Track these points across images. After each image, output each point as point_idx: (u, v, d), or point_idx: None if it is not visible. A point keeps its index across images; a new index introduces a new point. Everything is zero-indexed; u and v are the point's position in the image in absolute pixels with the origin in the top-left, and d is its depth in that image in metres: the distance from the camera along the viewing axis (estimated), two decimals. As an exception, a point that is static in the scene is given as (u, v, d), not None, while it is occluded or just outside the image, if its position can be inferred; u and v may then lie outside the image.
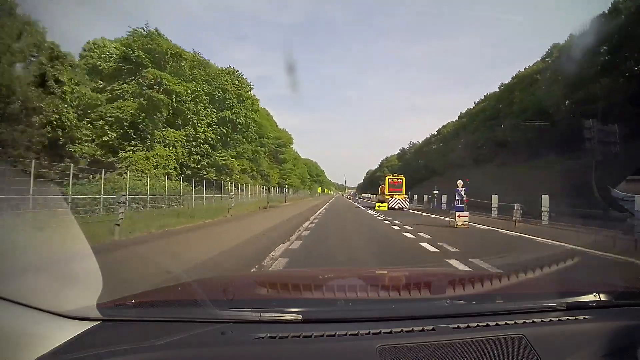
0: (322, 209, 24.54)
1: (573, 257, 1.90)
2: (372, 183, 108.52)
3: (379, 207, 25.62)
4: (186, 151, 27.63)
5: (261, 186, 42.76)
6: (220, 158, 29.67)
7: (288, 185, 54.37)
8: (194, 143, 28.27)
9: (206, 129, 28.87)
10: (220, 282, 2.01)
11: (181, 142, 27.39)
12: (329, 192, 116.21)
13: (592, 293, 1.36)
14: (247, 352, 1.03)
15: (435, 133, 62.03)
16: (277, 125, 57.67)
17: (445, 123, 57.88)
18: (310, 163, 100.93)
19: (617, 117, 18.94)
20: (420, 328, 1.10)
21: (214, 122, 29.56)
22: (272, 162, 52.18)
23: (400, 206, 25.08)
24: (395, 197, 25.52)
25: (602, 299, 1.33)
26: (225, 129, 30.19)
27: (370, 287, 1.72)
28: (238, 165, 32.71)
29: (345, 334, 1.07)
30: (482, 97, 46.14)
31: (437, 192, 26.25)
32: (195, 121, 28.39)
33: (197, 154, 28.40)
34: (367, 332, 1.08)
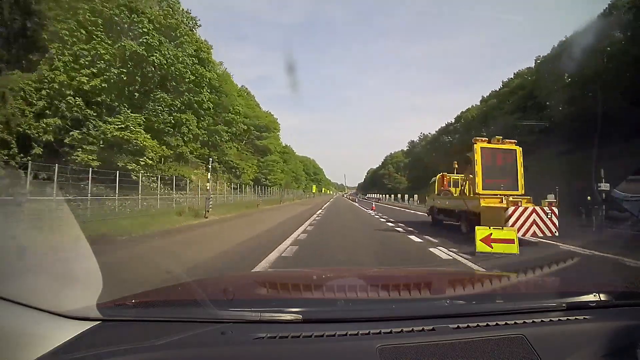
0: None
1: (573, 257, 1.91)
2: (373, 182, 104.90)
3: (485, 247, 6.67)
4: (31, 109, 15.13)
5: (227, 183, 31.25)
6: (113, 126, 16.00)
7: (271, 182, 43.53)
8: (47, 92, 15.36)
9: (79, 66, 15.75)
10: (220, 282, 2.02)
11: (25, 91, 15.03)
12: (328, 192, 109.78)
13: (592, 293, 1.36)
14: (247, 352, 1.03)
15: (453, 121, 53.80)
16: (259, 107, 46.35)
17: (465, 108, 50.86)
18: (308, 161, 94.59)
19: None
20: (420, 328, 1.11)
21: (105, 57, 16.20)
22: (250, 152, 40.80)
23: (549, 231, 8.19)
24: (522, 205, 8.26)
25: (602, 299, 1.33)
26: (120, 71, 16.71)
27: (370, 287, 1.72)
28: (160, 144, 18.84)
29: (345, 334, 1.07)
30: (512, 76, 39.76)
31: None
32: (54, 50, 15.79)
33: (57, 115, 15.54)
34: (367, 332, 1.09)
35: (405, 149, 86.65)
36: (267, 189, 43.11)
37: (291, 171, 61.15)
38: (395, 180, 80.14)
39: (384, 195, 60.78)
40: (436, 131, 61.69)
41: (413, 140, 78.65)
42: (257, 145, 43.16)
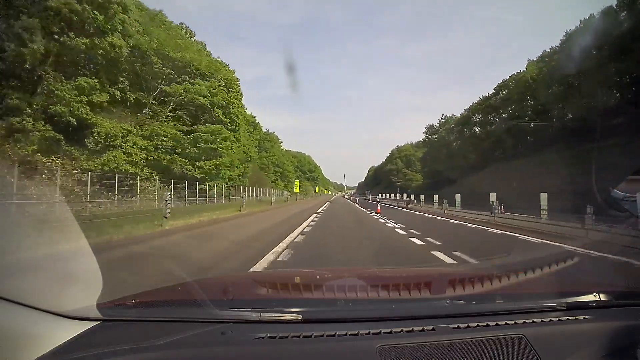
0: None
1: (573, 257, 1.91)
2: (377, 181, 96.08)
3: None
4: None
5: (60, 169, 13.77)
6: None
7: (206, 173, 23.28)
8: None
9: None
10: (220, 282, 2.02)
11: None
12: (326, 191, 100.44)
13: (592, 293, 1.36)
14: (247, 352, 1.03)
15: (492, 92, 39.78)
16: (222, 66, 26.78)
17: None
18: (302, 157, 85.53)
19: None
20: (420, 328, 1.10)
21: None
22: (174, 119, 22.45)
23: None
24: None
25: (602, 299, 1.33)
26: None
27: (370, 287, 1.71)
28: None
29: (345, 334, 1.07)
30: (582, 20, 26.92)
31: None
32: None
33: None
34: (367, 332, 1.08)
35: (413, 142, 74.38)
36: (213, 187, 24.26)
37: (273, 164, 49.90)
38: (406, 176, 69.91)
39: (408, 196, 37.51)
40: (465, 110, 46.79)
41: (432, 125, 59.97)
42: (190, 112, 22.99)
